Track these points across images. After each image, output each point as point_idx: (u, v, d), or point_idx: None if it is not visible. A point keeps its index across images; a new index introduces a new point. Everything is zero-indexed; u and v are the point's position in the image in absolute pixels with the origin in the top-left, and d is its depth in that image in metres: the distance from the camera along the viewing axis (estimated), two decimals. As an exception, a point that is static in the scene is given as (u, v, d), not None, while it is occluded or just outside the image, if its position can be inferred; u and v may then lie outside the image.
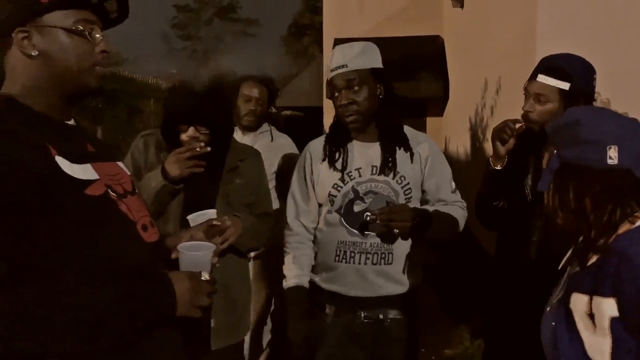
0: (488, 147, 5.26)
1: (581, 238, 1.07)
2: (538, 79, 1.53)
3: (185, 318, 0.97)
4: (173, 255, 1.13)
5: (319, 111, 9.45)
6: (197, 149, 1.57)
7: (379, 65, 1.63)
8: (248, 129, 2.54)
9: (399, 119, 1.68)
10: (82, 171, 0.92)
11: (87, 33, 0.96)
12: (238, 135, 2.55)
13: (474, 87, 5.76)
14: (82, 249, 0.86)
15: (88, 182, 0.92)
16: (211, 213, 1.54)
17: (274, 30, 33.75)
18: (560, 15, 3.52)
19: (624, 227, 0.98)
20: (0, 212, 0.80)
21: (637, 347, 0.93)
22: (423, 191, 1.69)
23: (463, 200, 1.74)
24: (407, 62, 8.50)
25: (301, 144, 2.83)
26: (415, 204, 1.66)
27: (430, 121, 8.95)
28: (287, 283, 1.69)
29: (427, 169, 1.67)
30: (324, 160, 1.67)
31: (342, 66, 1.58)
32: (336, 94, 1.60)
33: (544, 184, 1.04)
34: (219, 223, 1.34)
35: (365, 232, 1.61)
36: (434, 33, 9.07)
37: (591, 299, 0.96)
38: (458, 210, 1.70)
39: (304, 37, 22.39)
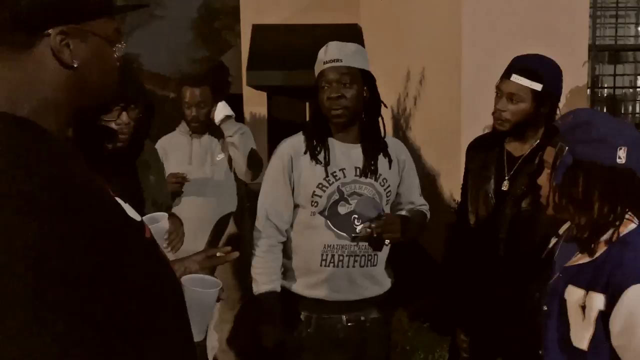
0: (411, 135, 5.45)
1: (572, 230, 1.15)
2: (512, 79, 1.59)
3: None
4: None
5: (238, 99, 9.28)
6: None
7: (368, 69, 1.65)
8: (199, 133, 2.47)
9: (379, 125, 1.71)
10: (131, 211, 0.77)
11: (119, 47, 0.82)
12: (186, 140, 2.48)
13: (396, 77, 5.91)
14: (152, 302, 0.72)
15: (142, 224, 0.77)
16: (162, 217, 1.43)
17: (183, 13, 32.50)
18: (486, 6, 3.69)
19: (625, 227, 1.08)
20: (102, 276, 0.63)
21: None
22: (397, 194, 1.76)
23: (427, 203, 1.86)
24: (325, 50, 8.57)
25: (219, 133, 2.78)
26: (390, 205, 1.72)
27: (350, 109, 9.08)
28: (260, 288, 1.65)
29: (403, 174, 1.74)
30: (305, 153, 1.64)
31: (337, 60, 1.59)
32: (326, 87, 1.60)
33: (558, 178, 1.13)
34: (222, 254, 1.18)
35: (353, 235, 1.61)
36: (352, 21, 9.19)
37: (586, 293, 1.05)
38: (424, 214, 1.82)
39: (215, 20, 21.77)
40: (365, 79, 1.63)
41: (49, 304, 0.57)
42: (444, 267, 1.90)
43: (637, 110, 4.41)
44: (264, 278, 1.65)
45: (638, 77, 4.50)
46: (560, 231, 1.28)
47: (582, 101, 3.82)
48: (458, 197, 3.77)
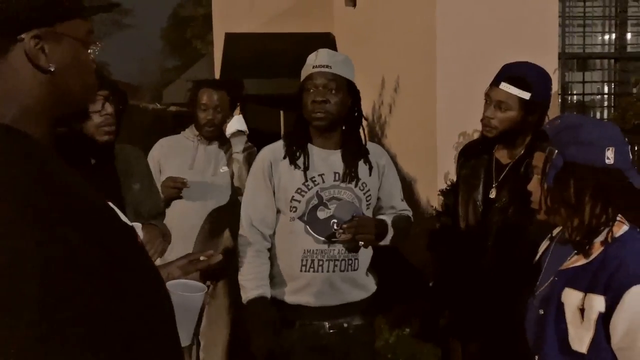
0: (386, 142, 5.49)
1: (567, 233, 1.16)
2: (501, 87, 1.60)
3: None
4: None
5: (211, 107, 9.20)
6: None
7: (353, 79, 1.68)
8: (207, 138, 2.42)
9: (360, 134, 1.73)
10: (122, 216, 0.76)
11: (93, 49, 0.80)
12: (191, 144, 2.41)
13: (370, 85, 5.95)
14: (149, 309, 0.71)
15: (133, 229, 0.77)
16: (136, 227, 1.41)
17: (152, 22, 32.19)
18: (459, 16, 3.74)
19: (619, 228, 1.09)
20: (98, 278, 0.63)
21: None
22: (378, 198, 1.76)
23: (410, 209, 1.86)
24: (298, 58, 8.56)
25: None
26: (371, 210, 1.73)
27: (324, 117, 9.10)
28: (249, 295, 1.63)
29: (383, 179, 1.75)
30: (284, 158, 1.65)
31: (327, 66, 1.61)
32: (312, 90, 1.61)
33: (549, 180, 1.14)
34: (205, 258, 1.17)
35: (333, 239, 1.61)
36: (325, 30, 9.23)
37: (585, 296, 1.05)
38: (407, 219, 1.82)
39: (186, 29, 21.60)
40: (350, 89, 1.65)
41: (52, 309, 0.57)
42: (434, 276, 1.90)
43: (605, 116, 4.53)
44: (252, 284, 1.64)
45: (605, 84, 4.63)
46: (553, 234, 1.29)
47: (552, 108, 3.90)
48: (435, 204, 3.82)
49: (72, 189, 0.68)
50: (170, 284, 1.01)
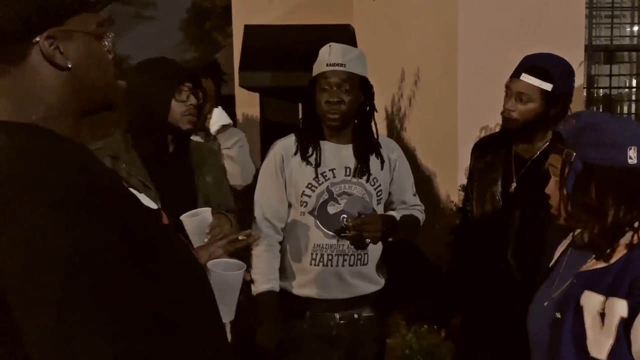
0: (405, 135, 5.42)
1: (588, 236, 1.11)
2: (522, 78, 1.56)
3: None
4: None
5: (230, 100, 9.21)
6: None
7: (367, 75, 1.67)
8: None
9: (372, 128, 1.73)
10: (147, 201, 0.80)
11: (107, 40, 0.83)
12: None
13: (390, 77, 5.88)
14: (177, 286, 0.74)
15: (159, 212, 0.81)
16: (206, 212, 1.46)
17: (172, 14, 32.39)
18: (482, 6, 3.66)
19: None
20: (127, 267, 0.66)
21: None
22: (389, 193, 1.76)
23: (422, 204, 1.85)
24: (317, 51, 8.53)
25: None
26: (382, 205, 1.73)
27: (342, 109, 9.04)
28: (258, 288, 1.65)
29: (395, 173, 1.74)
30: (295, 154, 1.65)
31: (341, 64, 1.60)
32: (326, 88, 1.60)
33: (569, 185, 1.07)
34: (244, 237, 1.25)
35: (342, 235, 1.63)
36: (344, 22, 9.16)
37: (606, 299, 1.00)
38: (418, 214, 1.82)
39: (206, 21, 21.66)
40: (363, 85, 1.65)
41: (81, 292, 0.60)
42: (447, 273, 1.86)
43: (633, 111, 4.40)
44: (262, 278, 1.66)
45: (633, 77, 4.50)
46: (568, 238, 1.23)
47: (578, 101, 3.81)
48: (454, 198, 3.75)
49: (96, 182, 0.71)
50: (211, 263, 1.07)
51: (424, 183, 4.53)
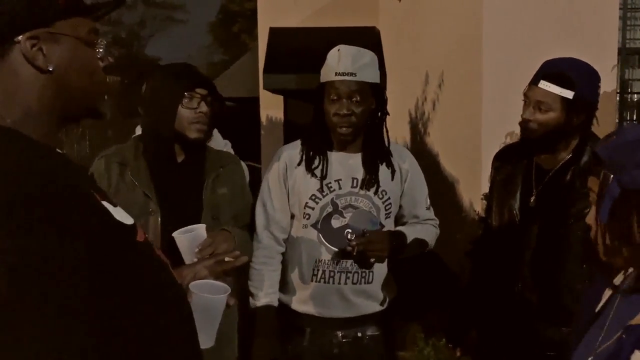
0: (429, 140, 5.29)
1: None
2: (540, 85, 1.44)
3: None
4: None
5: (254, 102, 9.20)
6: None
7: (379, 80, 1.57)
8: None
9: (383, 135, 1.61)
10: (121, 215, 0.76)
11: (99, 47, 0.82)
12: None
13: (414, 80, 5.76)
14: (145, 305, 0.72)
15: (133, 227, 0.78)
16: (199, 228, 1.39)
17: (202, 17, 32.84)
18: (508, 8, 3.53)
19: None
20: (77, 279, 0.64)
21: None
22: (399, 206, 1.64)
23: (436, 218, 1.71)
24: (343, 53, 8.44)
25: (236, 136, 2.66)
26: (392, 218, 1.61)
27: (367, 113, 8.94)
28: (256, 302, 1.57)
29: (406, 185, 1.62)
30: (299, 164, 1.56)
31: (351, 74, 1.49)
32: (334, 98, 1.50)
33: (604, 215, 0.90)
34: (231, 259, 1.18)
35: (344, 254, 1.53)
36: (370, 24, 9.07)
37: None
38: (431, 229, 1.68)
39: (234, 24, 21.81)
40: (374, 92, 1.55)
41: (20, 302, 0.58)
42: (466, 287, 1.75)
43: (670, 117, 4.18)
44: (260, 291, 1.57)
45: (671, 82, 4.28)
46: (619, 277, 1.02)
47: (610, 107, 3.63)
48: (477, 207, 3.62)
49: (57, 191, 0.68)
50: (193, 284, 1.01)
51: (446, 190, 4.40)
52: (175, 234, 1.37)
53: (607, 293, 1.00)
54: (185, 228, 1.38)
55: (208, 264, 1.12)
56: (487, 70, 3.61)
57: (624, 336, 0.90)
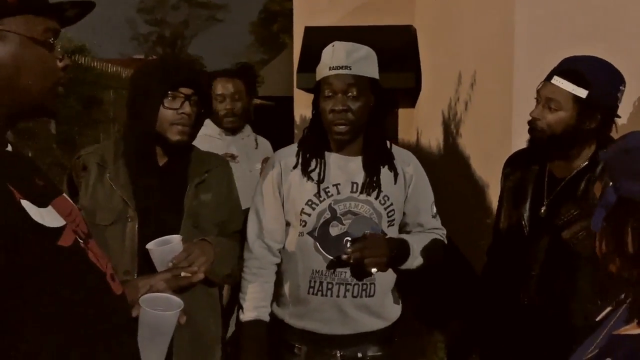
0: (461, 142, 5.14)
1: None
2: (552, 81, 1.33)
3: None
4: (134, 313, 0.95)
5: (289, 101, 9.21)
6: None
7: (377, 76, 1.46)
8: (231, 130, 2.31)
9: (385, 135, 1.50)
10: (49, 216, 0.74)
11: (54, 46, 0.80)
12: (215, 138, 2.28)
13: (448, 80, 5.63)
14: (60, 314, 0.70)
15: (59, 231, 0.75)
16: (175, 239, 1.31)
17: (244, 16, 33.16)
18: (541, 8, 3.38)
19: None
20: None
21: None
22: (403, 213, 1.52)
23: (443, 228, 1.57)
24: (378, 52, 8.22)
25: (271, 135, 2.63)
26: (396, 226, 1.50)
27: (402, 112, 8.81)
28: (245, 316, 1.47)
29: (410, 190, 1.50)
30: (295, 167, 1.46)
31: (345, 67, 1.39)
32: (330, 95, 1.41)
33: (596, 223, 0.85)
34: (189, 275, 1.13)
35: (340, 261, 1.40)
36: (406, 23, 8.92)
37: None
38: (437, 239, 1.53)
39: (274, 23, 21.94)
40: (373, 88, 1.43)
41: None
42: (473, 302, 1.66)
43: None
44: (249, 305, 1.46)
45: None
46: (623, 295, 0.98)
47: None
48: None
49: None
50: (145, 298, 0.97)
51: (476, 192, 4.27)
52: (149, 246, 1.28)
53: (607, 308, 0.93)
54: (162, 239, 1.30)
55: (166, 277, 1.09)
56: (518, 70, 3.47)
57: (603, 344, 0.85)
